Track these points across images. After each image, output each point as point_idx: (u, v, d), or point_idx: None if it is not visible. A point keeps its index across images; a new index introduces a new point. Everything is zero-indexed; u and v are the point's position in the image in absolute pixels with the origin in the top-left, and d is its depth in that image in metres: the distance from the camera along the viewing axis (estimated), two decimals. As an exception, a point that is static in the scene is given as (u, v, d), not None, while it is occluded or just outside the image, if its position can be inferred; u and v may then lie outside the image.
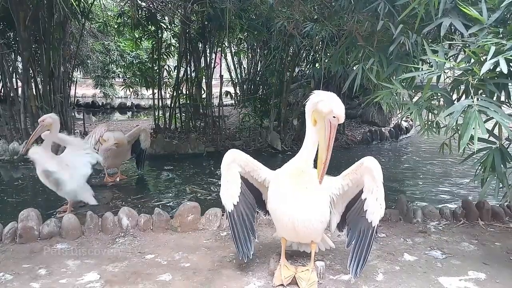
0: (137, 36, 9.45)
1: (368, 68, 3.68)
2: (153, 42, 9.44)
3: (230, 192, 3.15)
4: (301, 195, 2.88)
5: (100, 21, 11.25)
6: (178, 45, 9.65)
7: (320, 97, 2.62)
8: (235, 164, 3.16)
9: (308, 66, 10.07)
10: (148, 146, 6.44)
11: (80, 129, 9.59)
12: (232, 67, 13.40)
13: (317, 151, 2.74)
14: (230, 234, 3.25)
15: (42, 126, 4.52)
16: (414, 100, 3.42)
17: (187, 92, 9.67)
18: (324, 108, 2.58)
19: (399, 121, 11.06)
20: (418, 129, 3.92)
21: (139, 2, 8.14)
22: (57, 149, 5.54)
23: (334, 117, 2.57)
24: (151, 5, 8.17)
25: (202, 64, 9.49)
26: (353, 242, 3.04)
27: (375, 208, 2.95)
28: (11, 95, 8.25)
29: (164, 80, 10.02)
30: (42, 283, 3.02)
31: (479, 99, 2.75)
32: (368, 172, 2.96)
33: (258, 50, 11.86)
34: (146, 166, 7.38)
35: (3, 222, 3.85)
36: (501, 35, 2.87)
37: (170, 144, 8.46)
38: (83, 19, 9.28)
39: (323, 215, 2.99)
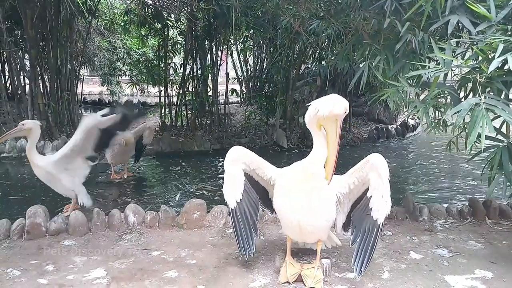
0: (143, 33, 9.48)
1: (374, 65, 3.65)
2: (160, 40, 9.46)
3: (233, 189, 3.14)
4: (308, 195, 2.86)
5: (107, 19, 11.31)
6: (184, 42, 9.67)
7: (316, 108, 2.65)
8: (239, 161, 3.15)
9: (314, 64, 10.04)
10: (149, 142, 6.62)
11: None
12: (238, 65, 13.40)
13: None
14: (232, 231, 3.25)
15: (19, 129, 4.23)
16: (421, 98, 3.40)
17: (193, 90, 9.69)
18: (323, 112, 2.61)
19: (406, 119, 11.00)
20: (425, 127, 3.90)
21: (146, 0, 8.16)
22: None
23: (337, 114, 2.60)
24: (157, 3, 8.20)
25: (208, 62, 9.51)
26: (357, 240, 3.00)
27: (380, 205, 2.89)
28: (19, 92, 8.31)
29: (170, 78, 10.05)
30: (50, 279, 3.05)
31: (487, 97, 2.73)
32: (374, 170, 2.91)
33: (264, 48, 11.87)
34: (153, 163, 7.54)
35: (11, 219, 3.89)
36: (510, 33, 2.85)
37: (176, 141, 8.49)
38: (89, 17, 9.33)
39: (329, 214, 2.98)
